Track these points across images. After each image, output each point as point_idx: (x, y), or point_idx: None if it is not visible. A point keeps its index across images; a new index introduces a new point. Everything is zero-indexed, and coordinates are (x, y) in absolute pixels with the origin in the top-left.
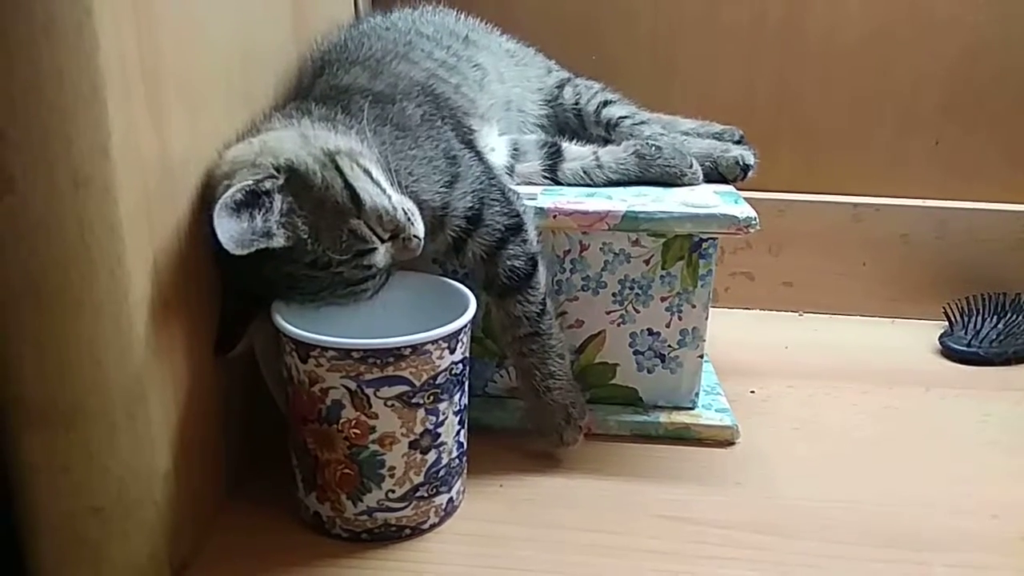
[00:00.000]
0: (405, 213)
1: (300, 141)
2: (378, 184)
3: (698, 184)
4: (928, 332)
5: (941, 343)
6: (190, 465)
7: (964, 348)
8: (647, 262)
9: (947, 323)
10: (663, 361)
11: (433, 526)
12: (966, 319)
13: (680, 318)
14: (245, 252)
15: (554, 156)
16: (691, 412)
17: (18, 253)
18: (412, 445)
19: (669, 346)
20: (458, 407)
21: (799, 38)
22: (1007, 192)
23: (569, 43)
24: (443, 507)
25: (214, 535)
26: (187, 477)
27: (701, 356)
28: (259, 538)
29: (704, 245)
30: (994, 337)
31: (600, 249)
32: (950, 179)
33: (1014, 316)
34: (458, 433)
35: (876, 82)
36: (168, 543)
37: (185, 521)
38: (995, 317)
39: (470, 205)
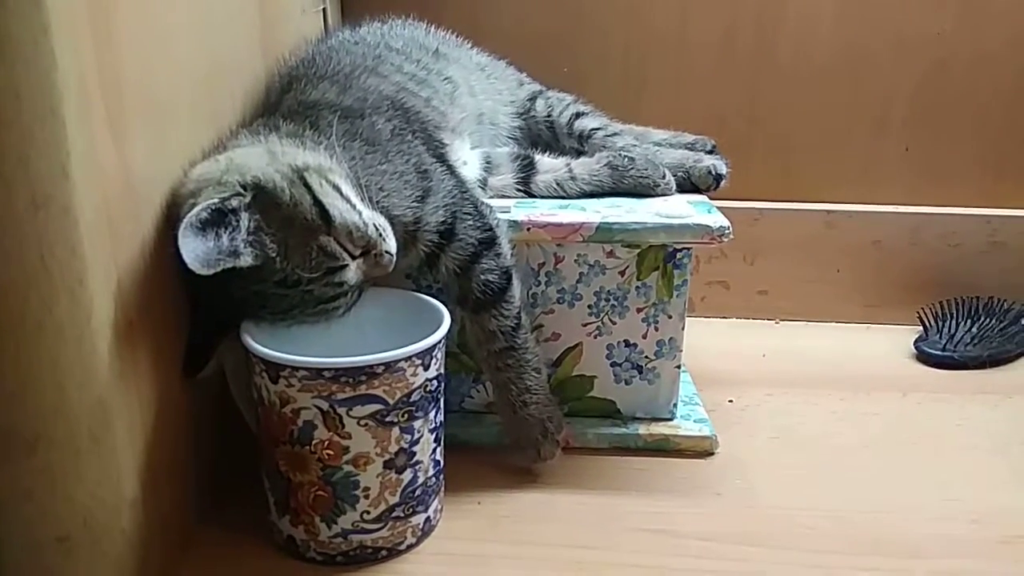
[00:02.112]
0: (376, 229)
1: (267, 158)
2: (348, 200)
3: (671, 194)
4: (903, 337)
5: (916, 348)
6: (158, 491)
7: (939, 353)
8: (622, 273)
9: (922, 328)
10: (640, 372)
11: (410, 547)
12: (940, 324)
13: (656, 329)
14: (211, 272)
15: (527, 169)
16: (670, 423)
17: None
18: (387, 465)
19: (646, 357)
20: (433, 424)
21: (770, 50)
22: (978, 197)
23: (540, 57)
24: (420, 527)
25: (185, 562)
26: (155, 504)
27: (678, 366)
28: (231, 564)
29: (678, 255)
30: (968, 341)
31: (575, 261)
32: (922, 185)
33: (987, 320)
34: (434, 451)
35: (847, 91)
36: (137, 572)
37: (154, 549)
38: (969, 321)
39: (442, 219)
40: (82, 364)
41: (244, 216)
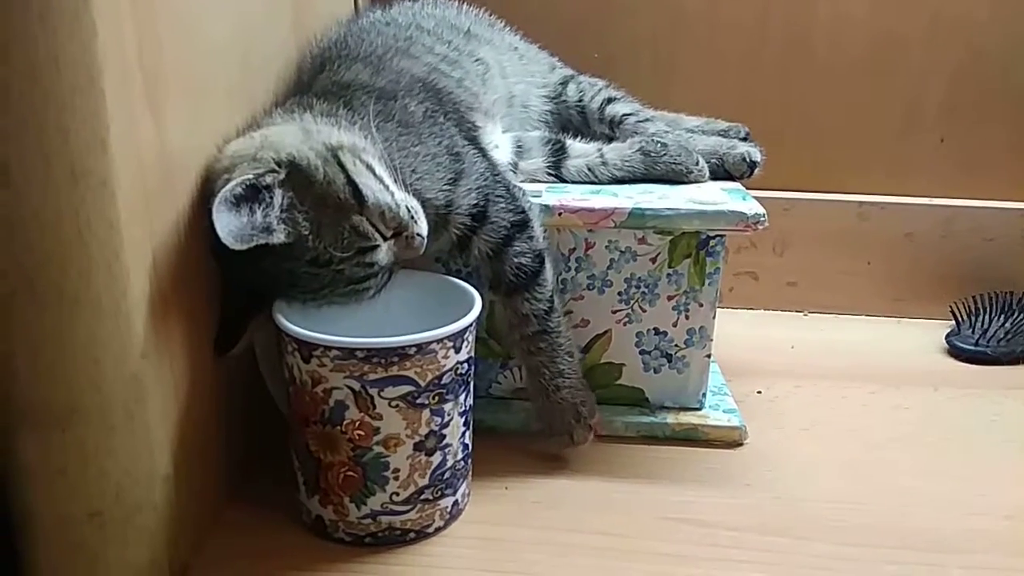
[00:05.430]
0: (408, 210)
1: (302, 136)
2: (381, 180)
3: (704, 181)
4: (935, 331)
5: (948, 342)
6: (190, 467)
7: (972, 347)
8: (653, 260)
9: (954, 322)
10: (670, 361)
11: (438, 529)
12: (973, 318)
13: (687, 317)
14: (244, 247)
15: (558, 153)
16: (698, 413)
17: (13, 248)
18: (417, 447)
19: (676, 346)
20: (463, 408)
21: (802, 37)
22: (1013, 190)
23: (570, 42)
24: (448, 510)
25: (214, 539)
26: (187, 480)
27: (708, 356)
28: (260, 542)
29: (711, 243)
30: (1002, 336)
31: (606, 247)
32: (955, 177)
33: (1021, 315)
34: (463, 434)
35: (881, 80)
36: (168, 548)
37: (185, 525)
38: (1002, 316)
39: (475, 202)
40: (118, 339)
41: (278, 193)
